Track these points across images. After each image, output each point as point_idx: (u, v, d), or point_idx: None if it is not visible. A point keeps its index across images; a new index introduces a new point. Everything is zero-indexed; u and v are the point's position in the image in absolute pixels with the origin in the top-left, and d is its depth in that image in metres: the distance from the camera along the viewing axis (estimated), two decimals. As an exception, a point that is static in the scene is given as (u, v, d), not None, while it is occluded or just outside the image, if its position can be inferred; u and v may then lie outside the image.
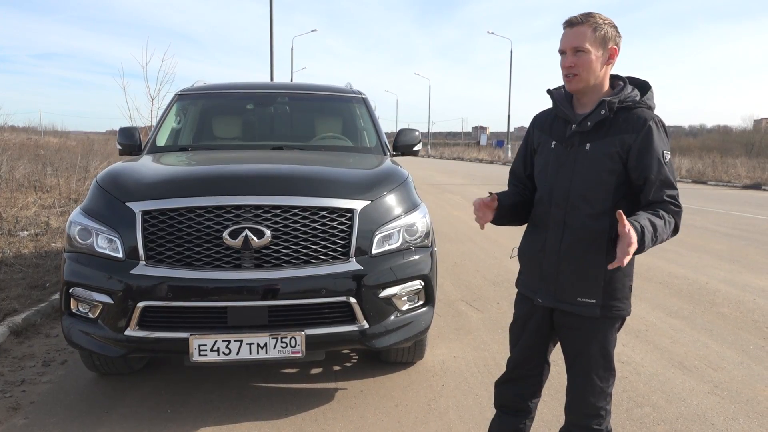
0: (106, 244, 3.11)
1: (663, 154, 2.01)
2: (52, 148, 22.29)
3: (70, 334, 3.17)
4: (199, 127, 4.88)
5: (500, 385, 2.44)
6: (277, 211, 3.08)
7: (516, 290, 2.38)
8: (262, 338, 2.98)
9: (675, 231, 2.03)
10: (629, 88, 2.09)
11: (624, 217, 1.83)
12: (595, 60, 2.02)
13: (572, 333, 2.17)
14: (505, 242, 8.39)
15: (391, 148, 4.79)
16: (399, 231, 3.33)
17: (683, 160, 28.46)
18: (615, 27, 2.05)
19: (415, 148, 4.82)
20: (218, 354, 2.96)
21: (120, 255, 3.06)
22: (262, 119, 4.96)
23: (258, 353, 2.99)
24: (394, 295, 3.23)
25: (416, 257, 3.33)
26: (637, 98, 2.07)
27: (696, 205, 13.70)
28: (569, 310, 2.13)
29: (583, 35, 2.01)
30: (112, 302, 3.02)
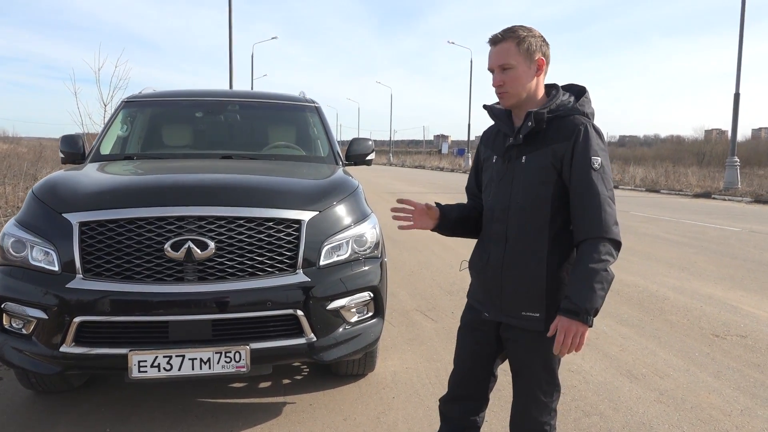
0: (41, 256, 2.98)
1: (592, 160, 1.95)
2: (0, 155, 21.56)
3: (2, 351, 3.02)
4: (146, 135, 4.75)
5: (445, 403, 2.38)
6: (222, 222, 3.01)
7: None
8: (206, 353, 2.90)
9: (617, 248, 1.96)
10: (563, 95, 2.06)
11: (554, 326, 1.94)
12: (523, 74, 2.01)
13: (517, 347, 2.14)
14: (463, 251, 8.43)
15: (343, 158, 4.75)
16: (348, 242, 3.29)
17: (638, 169, 29.22)
18: (541, 37, 2.04)
19: (368, 158, 4.79)
20: (159, 370, 2.87)
21: (56, 268, 2.94)
22: (212, 127, 4.86)
23: (201, 368, 2.90)
24: (342, 307, 3.18)
25: (365, 268, 3.29)
26: (570, 105, 2.03)
27: (648, 213, 14.04)
28: (514, 324, 2.10)
29: (507, 51, 2.00)
30: (46, 317, 2.89)
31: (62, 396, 3.50)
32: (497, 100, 2.13)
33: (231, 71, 25.07)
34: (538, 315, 2.04)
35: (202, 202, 3.04)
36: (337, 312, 3.16)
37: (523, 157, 2.06)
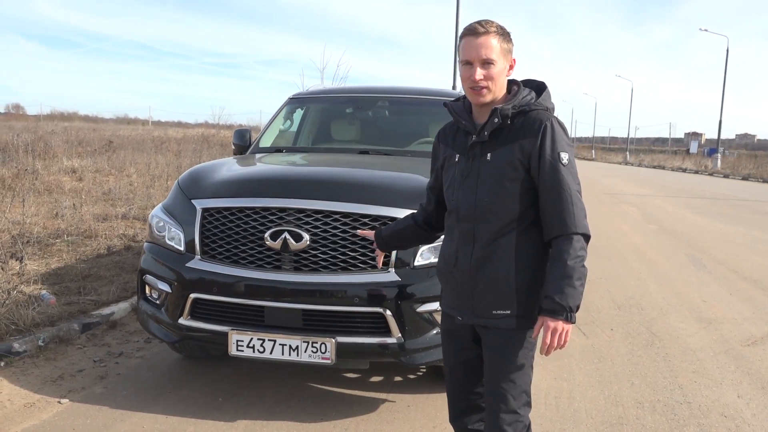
0: (173, 237, 3.36)
1: (560, 156, 1.92)
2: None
3: (141, 317, 3.49)
4: (299, 129, 5.07)
5: (454, 420, 2.28)
6: (318, 216, 3.09)
7: None
8: (295, 341, 3.01)
9: (587, 241, 1.95)
10: (524, 91, 2.02)
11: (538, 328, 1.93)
12: (502, 72, 1.96)
13: (489, 347, 2.05)
14: (659, 260, 7.54)
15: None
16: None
17: None
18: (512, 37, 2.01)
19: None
20: (253, 351, 3.06)
21: (182, 248, 3.29)
22: (359, 123, 4.99)
23: (290, 355, 3.02)
24: (435, 311, 3.06)
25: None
26: (533, 101, 1.99)
27: None
28: (487, 325, 2.03)
29: (492, 46, 1.93)
30: (170, 291, 3.26)
31: (201, 362, 3.92)
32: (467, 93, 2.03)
33: (455, 69, 25.50)
34: (509, 312, 1.99)
35: (302, 195, 3.16)
36: (429, 315, 3.06)
37: (488, 155, 1.99)
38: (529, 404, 2.06)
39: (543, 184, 1.92)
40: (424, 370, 3.88)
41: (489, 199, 1.97)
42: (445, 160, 2.15)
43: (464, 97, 2.11)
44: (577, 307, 1.90)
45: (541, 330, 1.93)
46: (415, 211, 2.43)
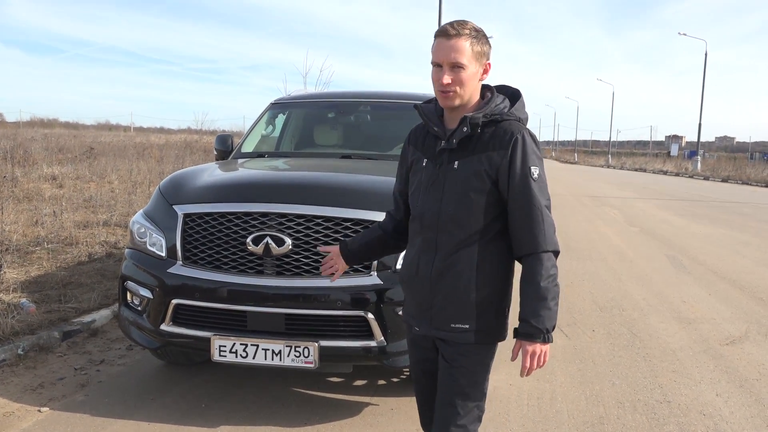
0: (154, 243, 3.35)
1: (531, 170, 1.87)
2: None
3: (123, 324, 3.47)
4: (282, 134, 5.07)
5: (425, 427, 2.26)
6: (300, 220, 3.09)
7: None
8: (277, 345, 3.01)
9: (557, 257, 1.93)
10: (498, 98, 1.95)
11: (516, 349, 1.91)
12: (472, 76, 1.89)
13: (446, 359, 2.00)
14: (640, 262, 7.62)
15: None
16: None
17: None
18: (489, 39, 1.94)
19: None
20: (236, 356, 3.05)
21: (163, 254, 3.28)
22: (341, 128, 5.00)
23: (273, 359, 3.02)
24: (417, 314, 3.07)
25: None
26: (506, 110, 1.93)
27: None
28: (443, 337, 1.99)
29: (462, 49, 1.85)
30: (152, 297, 3.24)
31: (182, 369, 3.90)
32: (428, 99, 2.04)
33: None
34: (467, 327, 1.95)
35: (284, 199, 3.16)
36: (411, 318, 3.07)
37: (456, 163, 1.93)
38: (479, 418, 2.02)
39: (513, 200, 1.87)
40: (408, 373, 3.88)
41: (453, 209, 1.91)
42: (413, 163, 2.08)
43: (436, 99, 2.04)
44: (554, 327, 1.89)
45: (520, 353, 1.91)
46: (383, 220, 2.31)
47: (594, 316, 5.30)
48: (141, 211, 3.63)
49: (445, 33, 1.86)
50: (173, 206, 3.36)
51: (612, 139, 66.57)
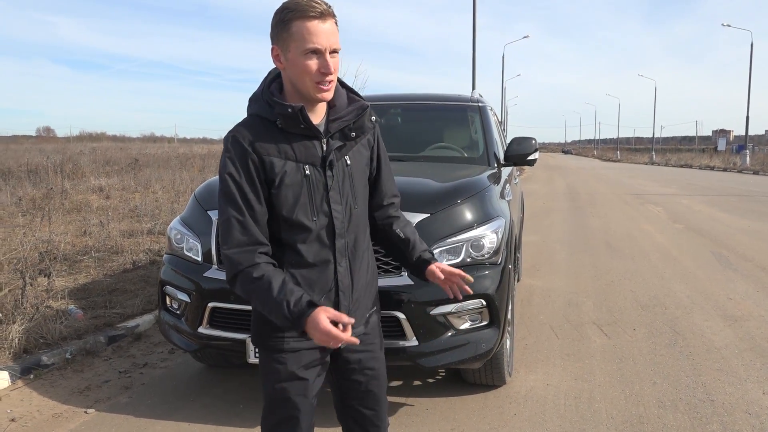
0: (191, 248, 3.44)
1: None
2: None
3: (163, 328, 3.57)
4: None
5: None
6: (332, 222, 3.12)
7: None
8: (311, 346, 3.04)
9: None
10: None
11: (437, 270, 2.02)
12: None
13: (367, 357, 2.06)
14: (685, 259, 7.43)
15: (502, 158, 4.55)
16: (462, 245, 3.17)
17: None
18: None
19: (530, 158, 4.51)
20: (270, 358, 3.09)
21: (199, 258, 3.36)
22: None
23: (307, 360, 3.05)
24: (449, 313, 3.07)
25: (480, 274, 3.14)
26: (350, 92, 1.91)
27: None
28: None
29: (335, 33, 1.69)
30: (189, 301, 3.33)
31: (223, 371, 3.98)
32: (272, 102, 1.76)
33: (474, 73, 25.41)
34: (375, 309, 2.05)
35: (314, 202, 3.20)
36: (442, 317, 3.07)
37: (346, 158, 1.84)
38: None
39: (383, 165, 2.00)
40: (444, 373, 3.88)
41: (359, 206, 1.87)
42: (284, 176, 1.72)
43: (270, 102, 1.74)
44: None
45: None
46: (264, 261, 1.74)
47: (635, 315, 5.19)
48: (178, 217, 3.73)
49: (320, 15, 1.63)
50: (208, 212, 3.44)
51: (656, 136, 64.94)
